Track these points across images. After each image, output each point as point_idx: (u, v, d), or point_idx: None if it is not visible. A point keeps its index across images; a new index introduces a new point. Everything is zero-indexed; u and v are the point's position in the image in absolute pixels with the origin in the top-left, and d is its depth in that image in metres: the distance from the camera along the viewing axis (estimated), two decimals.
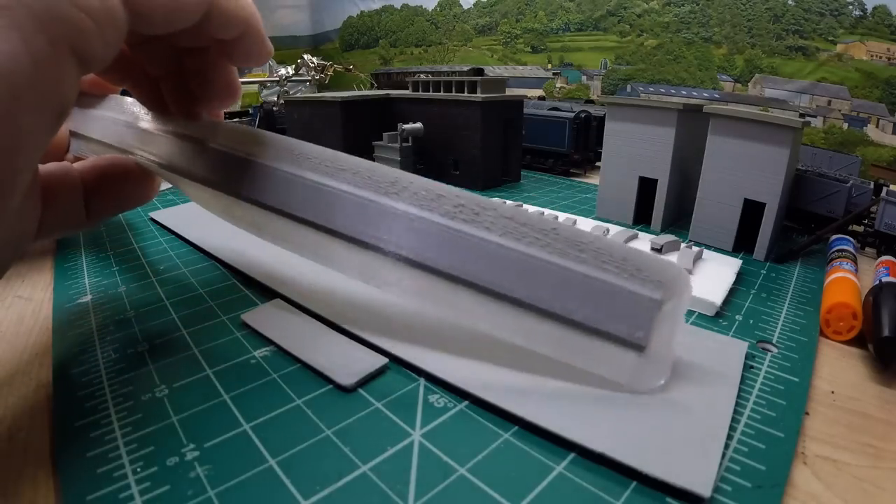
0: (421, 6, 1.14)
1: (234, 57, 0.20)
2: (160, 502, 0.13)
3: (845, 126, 0.68)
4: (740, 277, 0.28)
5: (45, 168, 0.18)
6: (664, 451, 0.15)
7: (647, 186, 0.37)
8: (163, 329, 0.22)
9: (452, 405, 0.17)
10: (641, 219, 0.38)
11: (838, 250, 0.30)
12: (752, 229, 0.31)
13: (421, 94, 0.51)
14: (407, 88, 0.53)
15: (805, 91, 0.71)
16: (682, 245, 0.30)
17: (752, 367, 0.20)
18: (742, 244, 0.32)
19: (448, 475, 0.14)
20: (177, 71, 0.21)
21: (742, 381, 0.18)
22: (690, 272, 0.27)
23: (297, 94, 0.70)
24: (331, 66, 0.78)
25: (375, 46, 1.24)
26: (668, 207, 0.36)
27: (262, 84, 0.80)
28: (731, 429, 0.16)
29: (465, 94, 0.47)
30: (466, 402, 0.17)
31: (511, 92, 0.57)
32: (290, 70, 0.76)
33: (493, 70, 0.99)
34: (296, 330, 0.21)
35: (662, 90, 0.83)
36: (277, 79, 0.75)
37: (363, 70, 0.89)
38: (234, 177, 0.20)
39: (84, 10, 0.12)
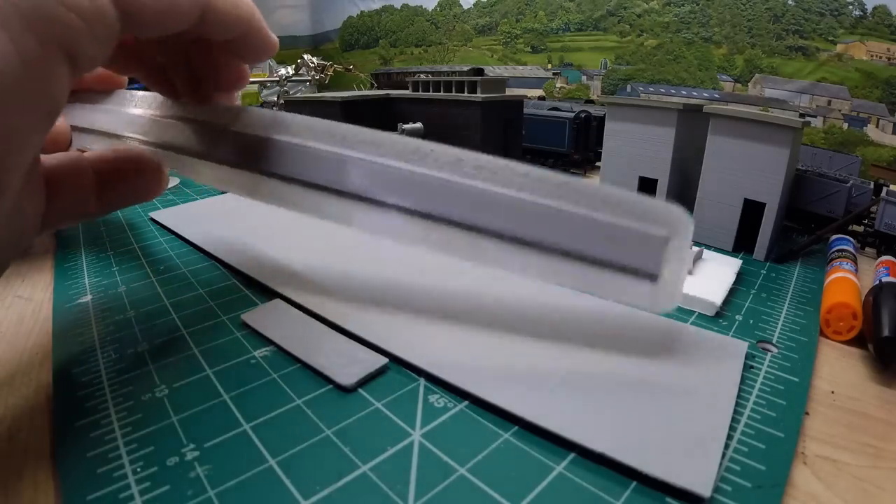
0: (421, 6, 1.14)
1: (238, 55, 0.20)
2: (160, 502, 0.13)
3: (845, 126, 0.68)
4: (740, 277, 0.28)
5: (53, 158, 0.18)
6: (664, 451, 0.15)
7: (647, 186, 0.36)
8: (163, 329, 0.22)
9: (452, 405, 0.17)
10: None
11: (838, 250, 0.30)
12: (752, 229, 0.31)
13: (421, 94, 0.51)
14: (407, 88, 0.53)
15: (805, 91, 0.71)
16: None
17: (752, 367, 0.20)
18: (742, 244, 0.32)
19: (448, 475, 0.14)
20: (185, 59, 0.21)
21: (742, 381, 0.18)
22: (690, 272, 0.27)
23: (297, 95, 0.70)
24: (331, 66, 0.78)
25: (375, 46, 1.24)
26: None
27: (262, 84, 0.80)
28: (731, 429, 0.16)
29: (465, 94, 0.47)
30: (466, 402, 0.17)
31: (511, 92, 0.57)
32: (290, 70, 0.76)
33: (493, 70, 0.99)
34: (296, 330, 0.21)
35: (662, 90, 0.82)
36: (277, 79, 0.75)
37: (363, 70, 0.89)
38: (261, 156, 0.20)
39: (73, 9, 0.12)
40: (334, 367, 0.18)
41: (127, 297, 0.25)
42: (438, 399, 0.17)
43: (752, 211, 0.31)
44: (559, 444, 0.15)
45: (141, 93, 0.23)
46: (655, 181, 0.36)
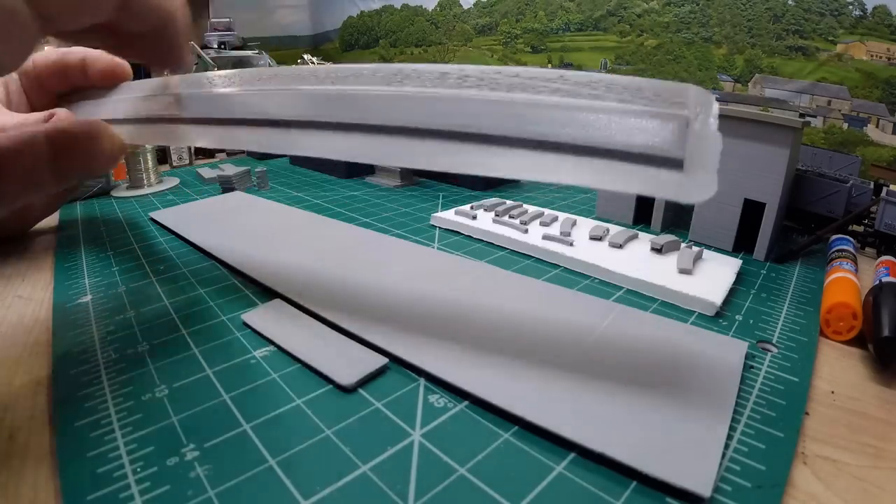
0: (421, 6, 1.14)
1: (145, 57, 0.20)
2: (160, 502, 0.13)
3: (845, 126, 0.68)
4: (740, 277, 0.28)
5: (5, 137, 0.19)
6: (664, 451, 0.15)
7: None
8: (163, 329, 0.22)
9: (452, 405, 0.17)
10: (641, 219, 0.38)
11: (838, 250, 0.30)
12: (752, 229, 0.31)
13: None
14: None
15: (805, 91, 0.71)
16: (682, 245, 0.30)
17: (752, 367, 0.20)
18: (742, 244, 0.32)
19: (448, 475, 0.14)
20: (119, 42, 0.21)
21: (742, 381, 0.18)
22: (690, 272, 0.27)
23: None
24: None
25: (375, 46, 1.24)
26: (667, 207, 0.36)
27: None
28: (731, 429, 0.16)
29: None
30: (466, 402, 0.17)
31: None
32: None
33: None
34: (296, 330, 0.21)
35: None
36: None
37: None
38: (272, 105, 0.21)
39: None
40: (334, 367, 0.18)
41: (127, 297, 0.25)
42: (438, 399, 0.17)
43: (752, 211, 0.31)
44: (559, 444, 0.15)
45: (136, 81, 0.24)
46: None
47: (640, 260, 0.28)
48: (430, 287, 0.25)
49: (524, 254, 0.31)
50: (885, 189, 0.34)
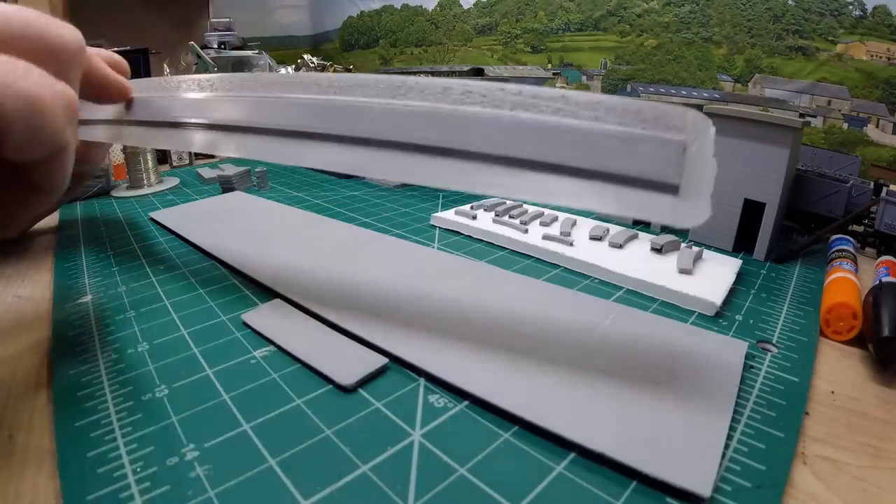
0: (421, 6, 1.14)
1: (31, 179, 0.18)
2: (160, 502, 0.13)
3: (845, 126, 0.68)
4: (740, 277, 0.28)
5: None
6: (664, 451, 0.15)
7: None
8: (163, 329, 0.22)
9: (452, 405, 0.17)
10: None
11: (838, 250, 0.30)
12: (752, 229, 0.31)
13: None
14: None
15: (805, 91, 0.71)
16: (682, 245, 0.30)
17: (752, 367, 0.20)
18: (742, 244, 0.32)
19: (448, 475, 0.14)
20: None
21: (742, 381, 0.18)
22: (690, 272, 0.27)
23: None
24: (331, 66, 0.78)
25: (375, 46, 1.24)
26: None
27: None
28: (731, 429, 0.16)
29: None
30: (466, 402, 0.17)
31: None
32: (290, 70, 0.76)
33: (493, 70, 0.99)
34: (296, 330, 0.21)
35: (662, 90, 0.82)
36: None
37: (363, 70, 0.89)
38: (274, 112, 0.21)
39: None
40: (334, 367, 0.18)
41: (127, 297, 0.25)
42: (438, 399, 0.17)
43: (752, 211, 0.31)
44: (559, 444, 0.15)
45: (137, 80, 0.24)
46: None
47: (640, 260, 0.28)
48: (430, 287, 0.25)
49: (524, 254, 0.31)
50: (885, 189, 0.34)
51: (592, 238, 0.31)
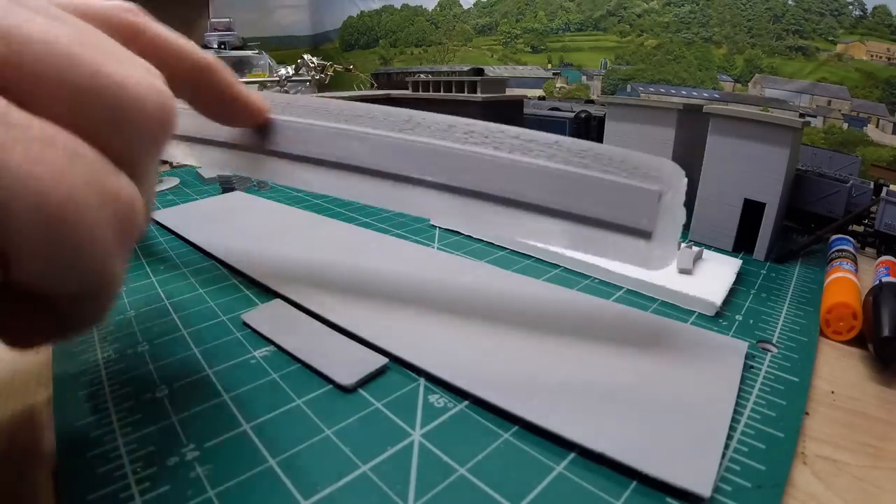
0: (421, 6, 1.14)
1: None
2: (160, 502, 0.13)
3: (845, 126, 0.68)
4: (740, 277, 0.28)
5: None
6: (664, 451, 0.15)
7: None
8: (163, 329, 0.22)
9: (452, 405, 0.17)
10: None
11: (838, 250, 0.30)
12: (752, 229, 0.31)
13: (421, 94, 0.51)
14: (407, 88, 0.53)
15: (805, 91, 0.71)
16: (682, 245, 0.30)
17: (752, 367, 0.20)
18: (742, 244, 0.32)
19: (448, 475, 0.14)
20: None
21: (742, 381, 0.18)
22: (690, 272, 0.27)
23: (297, 95, 0.70)
24: (331, 66, 0.78)
25: (375, 46, 1.24)
26: None
27: (262, 84, 0.80)
28: (731, 429, 0.16)
29: (465, 93, 0.47)
30: (466, 402, 0.17)
31: (511, 92, 0.57)
32: (290, 70, 0.76)
33: (493, 70, 0.99)
34: (296, 330, 0.21)
35: (662, 90, 0.82)
36: (277, 79, 0.75)
37: (363, 70, 0.89)
38: (264, 136, 0.21)
39: None
40: (334, 367, 0.18)
41: (127, 297, 0.25)
42: (438, 399, 0.17)
43: (752, 211, 0.31)
44: (559, 444, 0.15)
45: None
46: None
47: None
48: (430, 287, 0.25)
49: (524, 254, 0.31)
50: (885, 189, 0.34)
51: None
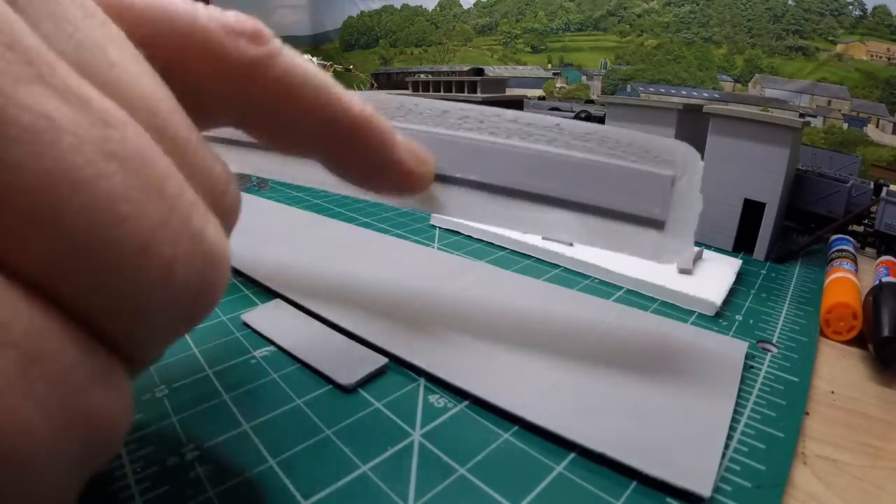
0: (421, 6, 1.14)
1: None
2: (160, 502, 0.13)
3: (845, 126, 0.68)
4: (740, 277, 0.28)
5: None
6: (664, 451, 0.15)
7: None
8: None
9: (452, 405, 0.17)
10: None
11: (838, 250, 0.30)
12: (752, 229, 0.31)
13: (421, 94, 0.51)
14: (407, 88, 0.53)
15: (805, 91, 0.71)
16: None
17: (752, 367, 0.20)
18: (742, 244, 0.32)
19: (448, 475, 0.14)
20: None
21: (742, 381, 0.18)
22: (690, 272, 0.27)
23: None
24: (331, 66, 0.78)
25: (375, 46, 1.24)
26: None
27: None
28: (731, 429, 0.16)
29: (466, 93, 0.47)
30: (466, 402, 0.17)
31: (511, 92, 0.57)
32: None
33: (493, 70, 0.99)
34: (296, 330, 0.21)
35: (662, 90, 0.83)
36: None
37: (363, 70, 0.89)
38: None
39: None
40: (334, 367, 0.18)
41: None
42: (438, 399, 0.17)
43: (752, 211, 0.31)
44: (559, 444, 0.15)
45: None
46: None
47: (640, 260, 0.28)
48: (430, 287, 0.25)
49: (524, 254, 0.31)
50: (885, 189, 0.34)
51: None
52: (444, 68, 0.79)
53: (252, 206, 0.39)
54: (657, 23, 0.82)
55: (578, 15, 0.91)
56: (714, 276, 0.26)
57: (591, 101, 0.71)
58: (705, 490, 0.13)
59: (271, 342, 0.20)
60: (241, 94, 0.11)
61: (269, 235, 0.32)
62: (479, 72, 0.63)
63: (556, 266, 0.29)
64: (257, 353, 0.20)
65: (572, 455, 0.15)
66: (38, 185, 0.06)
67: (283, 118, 0.12)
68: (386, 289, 0.25)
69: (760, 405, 0.17)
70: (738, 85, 0.76)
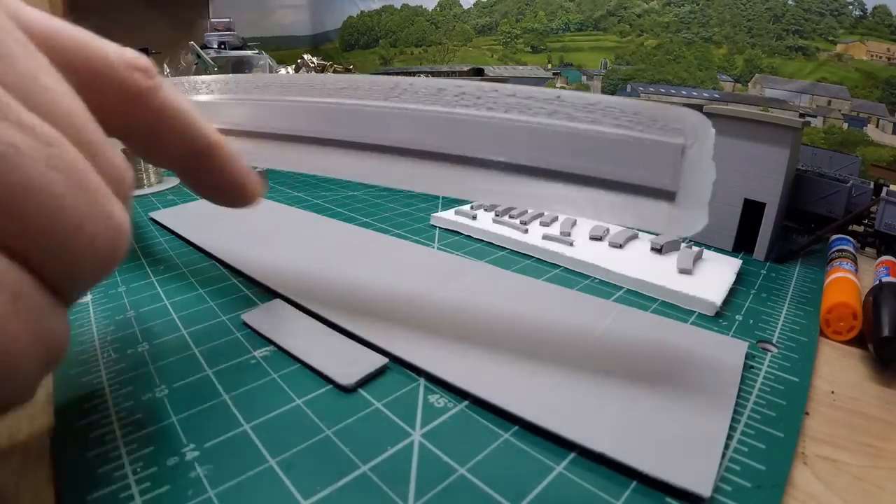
0: (421, 6, 1.14)
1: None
2: (160, 502, 0.13)
3: (845, 126, 0.68)
4: (740, 277, 0.28)
5: None
6: (664, 451, 0.15)
7: None
8: (163, 329, 0.22)
9: (452, 405, 0.17)
10: None
11: (838, 250, 0.30)
12: (752, 229, 0.31)
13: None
14: None
15: (805, 91, 0.71)
16: (682, 245, 0.30)
17: (752, 367, 0.20)
18: (742, 244, 0.32)
19: (448, 475, 0.14)
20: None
21: (742, 381, 0.18)
22: (690, 273, 0.27)
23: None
24: (331, 66, 0.78)
25: (375, 46, 1.24)
26: None
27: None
28: (731, 429, 0.16)
29: None
30: (466, 402, 0.17)
31: None
32: (290, 70, 0.76)
33: (493, 70, 0.99)
34: (296, 330, 0.21)
35: (662, 90, 0.82)
36: None
37: (363, 70, 0.89)
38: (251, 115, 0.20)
39: None
40: (334, 367, 0.18)
41: (127, 297, 0.25)
42: (438, 399, 0.17)
43: (752, 211, 0.31)
44: (559, 444, 0.15)
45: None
46: None
47: (640, 260, 0.28)
48: (430, 287, 0.25)
49: (524, 254, 0.31)
50: (885, 189, 0.34)
51: (592, 238, 0.31)
52: (444, 68, 0.79)
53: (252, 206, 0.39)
54: (657, 23, 0.82)
55: (578, 15, 0.91)
56: (714, 276, 0.26)
57: None
58: (705, 490, 0.13)
59: (271, 342, 0.20)
60: (129, 115, 0.14)
61: (269, 235, 0.32)
62: (479, 72, 0.63)
63: (556, 266, 0.29)
64: (257, 353, 0.20)
65: (572, 455, 0.15)
66: (12, 192, 0.09)
67: (156, 138, 0.15)
68: (386, 289, 0.25)
69: (760, 405, 0.17)
70: (738, 85, 0.76)
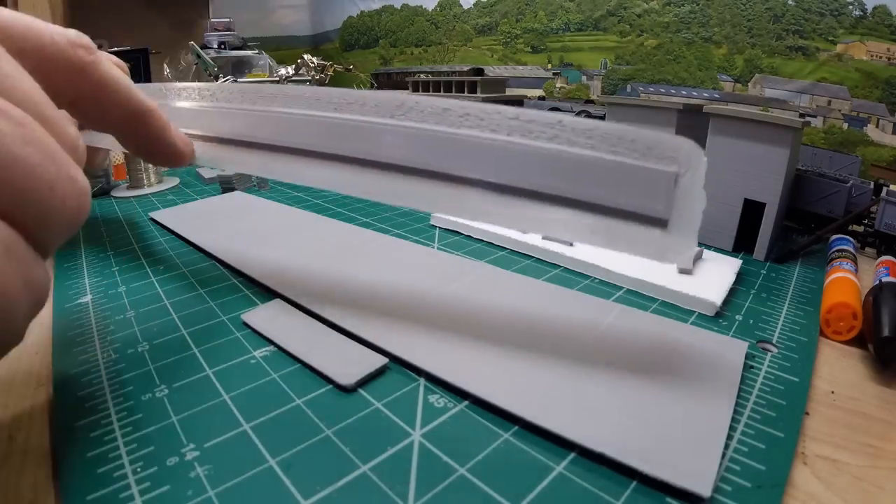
0: (421, 6, 1.14)
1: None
2: (160, 502, 0.13)
3: (845, 126, 0.68)
4: (740, 277, 0.28)
5: None
6: (664, 451, 0.15)
7: None
8: (163, 329, 0.22)
9: (452, 405, 0.17)
10: None
11: (838, 250, 0.30)
12: (752, 229, 0.31)
13: (421, 93, 0.51)
14: (407, 88, 0.53)
15: (805, 91, 0.71)
16: None
17: (752, 367, 0.20)
18: (742, 244, 0.32)
19: (448, 475, 0.14)
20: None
21: (742, 381, 0.18)
22: (690, 273, 0.27)
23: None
24: (331, 66, 0.78)
25: (375, 46, 1.24)
26: None
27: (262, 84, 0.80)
28: (731, 429, 0.16)
29: (465, 94, 0.47)
30: (466, 402, 0.17)
31: (511, 92, 0.57)
32: (290, 70, 0.75)
33: (493, 70, 0.99)
34: (296, 330, 0.21)
35: (662, 90, 0.82)
36: (277, 79, 0.75)
37: (363, 70, 0.89)
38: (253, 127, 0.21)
39: None
40: (334, 367, 0.18)
41: (127, 297, 0.25)
42: (438, 399, 0.17)
43: (752, 211, 0.31)
44: (559, 444, 0.15)
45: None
46: None
47: (640, 260, 0.28)
48: (430, 287, 0.25)
49: (524, 254, 0.31)
50: (885, 189, 0.34)
51: None
52: (444, 68, 0.79)
53: (252, 206, 0.39)
54: (657, 23, 0.82)
55: (578, 15, 0.90)
56: (714, 276, 0.26)
57: (591, 101, 0.71)
58: (705, 490, 0.13)
59: (271, 342, 0.20)
60: (75, 87, 0.16)
61: (269, 235, 0.32)
62: (479, 72, 0.63)
63: (556, 266, 0.29)
64: (257, 353, 0.20)
65: (572, 455, 0.15)
66: (2, 166, 0.11)
67: (99, 106, 0.17)
68: (386, 289, 0.25)
69: (760, 405, 0.17)
70: (738, 85, 0.76)
